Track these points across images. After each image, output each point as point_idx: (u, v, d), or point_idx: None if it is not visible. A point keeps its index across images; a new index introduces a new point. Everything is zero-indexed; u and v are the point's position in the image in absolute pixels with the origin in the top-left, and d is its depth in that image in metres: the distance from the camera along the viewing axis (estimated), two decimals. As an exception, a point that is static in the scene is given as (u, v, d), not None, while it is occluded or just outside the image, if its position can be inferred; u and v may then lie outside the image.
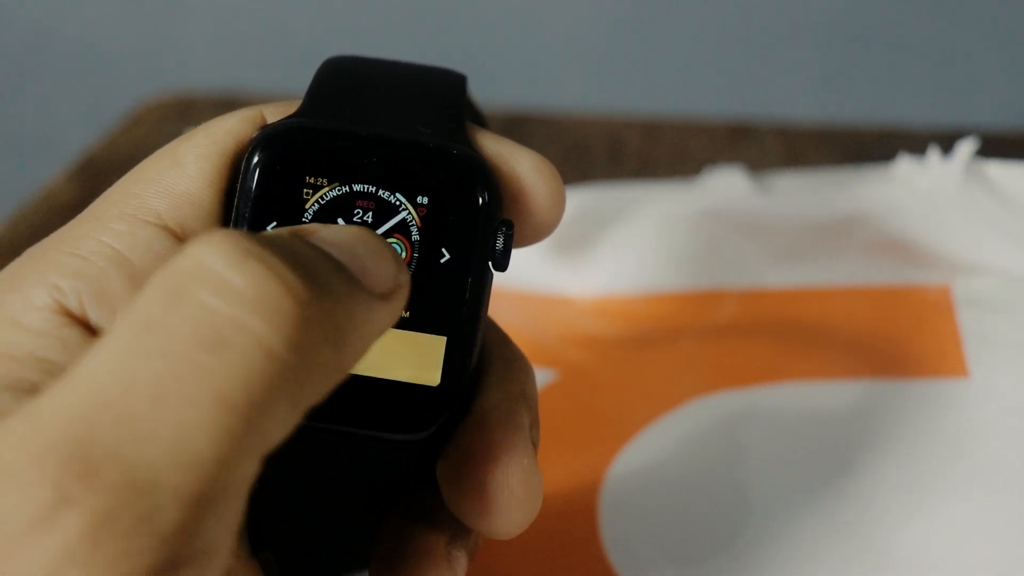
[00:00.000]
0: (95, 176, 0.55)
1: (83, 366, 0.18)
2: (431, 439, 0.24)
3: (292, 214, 0.24)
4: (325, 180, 0.24)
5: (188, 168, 0.24)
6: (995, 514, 0.31)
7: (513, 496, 0.23)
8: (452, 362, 0.24)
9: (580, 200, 0.44)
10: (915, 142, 0.49)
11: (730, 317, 0.40)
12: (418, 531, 0.24)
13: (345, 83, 0.26)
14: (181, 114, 0.60)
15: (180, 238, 0.23)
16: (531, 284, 0.42)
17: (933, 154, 0.42)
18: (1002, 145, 0.49)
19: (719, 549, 0.31)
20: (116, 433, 0.17)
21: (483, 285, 0.24)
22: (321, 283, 0.19)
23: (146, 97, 0.62)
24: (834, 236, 0.41)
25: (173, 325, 0.18)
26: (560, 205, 0.25)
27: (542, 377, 0.37)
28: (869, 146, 0.53)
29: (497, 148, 0.25)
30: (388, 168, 0.24)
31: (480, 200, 0.24)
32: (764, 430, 0.34)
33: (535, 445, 0.24)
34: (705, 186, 0.44)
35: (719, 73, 0.71)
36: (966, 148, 0.41)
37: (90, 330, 0.22)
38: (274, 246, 0.19)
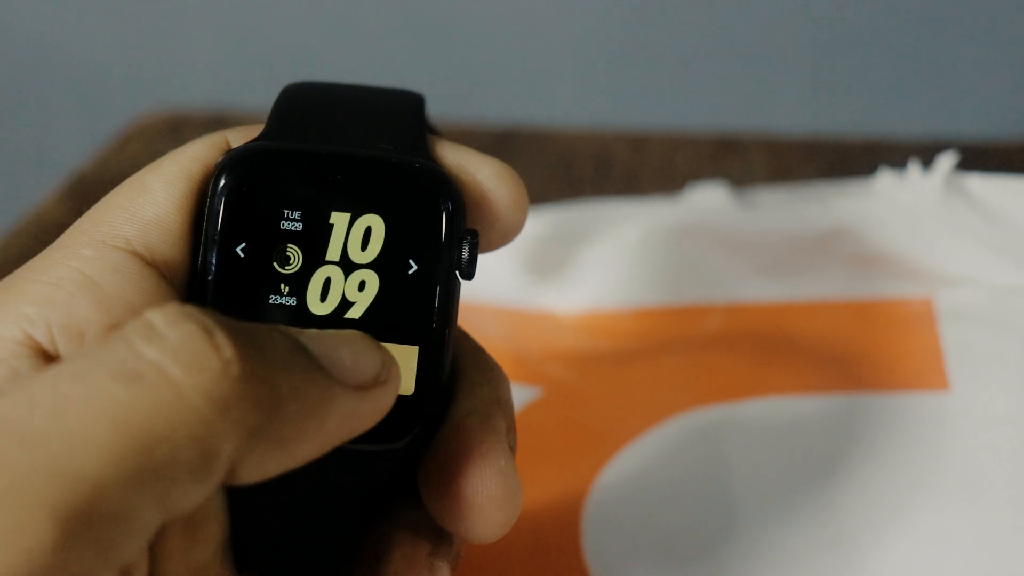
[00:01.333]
0: (86, 195, 0.55)
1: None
2: (409, 448, 0.24)
3: (259, 234, 0.24)
4: (290, 199, 0.24)
5: (156, 194, 0.24)
6: (976, 527, 0.31)
7: (492, 498, 0.23)
8: (425, 370, 0.24)
9: (564, 216, 0.44)
10: (899, 154, 0.49)
11: (714, 332, 0.40)
12: (400, 541, 0.25)
13: (306, 106, 0.26)
14: (172, 132, 0.60)
15: (149, 262, 0.24)
16: (515, 300, 0.42)
17: (914, 168, 0.42)
18: (984, 156, 0.49)
19: (702, 564, 0.31)
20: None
21: (451, 294, 0.24)
22: (262, 351, 0.20)
23: (137, 115, 0.62)
24: (816, 250, 0.42)
25: (97, 358, 0.19)
26: (523, 209, 0.26)
27: (527, 394, 0.37)
28: (854, 158, 0.53)
29: (458, 158, 0.26)
30: (353, 184, 0.24)
31: (444, 211, 0.24)
32: (748, 444, 0.35)
33: (512, 450, 0.25)
34: (689, 202, 0.45)
35: (706, 86, 0.72)
36: (946, 161, 0.42)
37: (49, 359, 0.22)
38: (226, 321, 0.20)
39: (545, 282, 0.42)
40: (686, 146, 0.56)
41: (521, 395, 0.37)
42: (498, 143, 0.57)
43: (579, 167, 0.56)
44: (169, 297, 0.24)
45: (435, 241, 0.24)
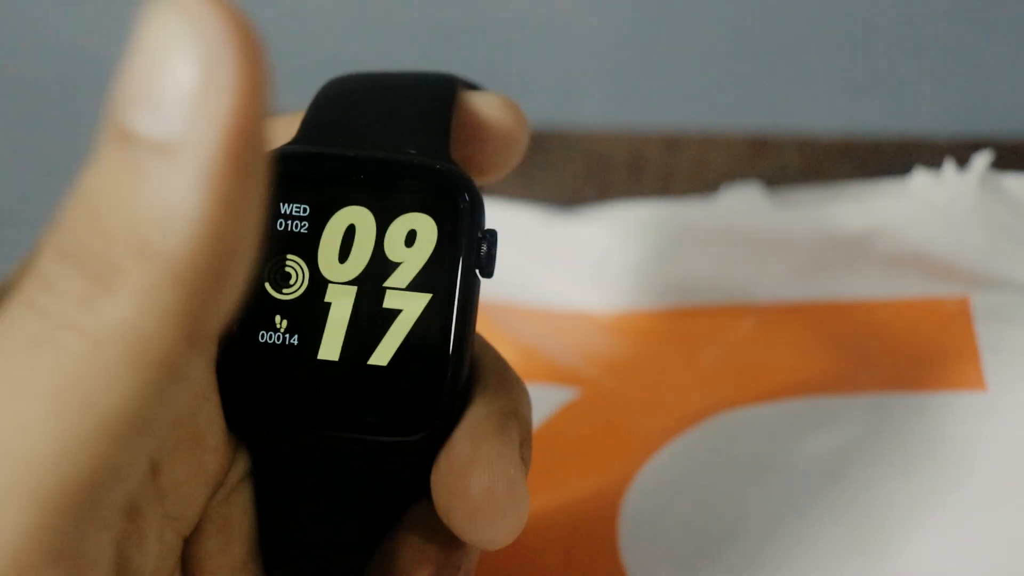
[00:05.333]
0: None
1: None
2: (424, 443, 0.24)
3: (288, 236, 0.24)
4: (314, 201, 0.24)
5: None
6: (1013, 527, 0.31)
7: (499, 503, 0.23)
8: (445, 367, 0.24)
9: (599, 217, 0.44)
10: (934, 153, 0.49)
11: (749, 332, 0.40)
12: (409, 551, 0.25)
13: (337, 106, 0.27)
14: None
15: None
16: (550, 301, 0.42)
17: (949, 167, 0.42)
18: (1021, 154, 0.49)
19: (738, 565, 0.31)
20: None
21: (472, 291, 0.25)
22: None
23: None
24: (852, 250, 0.42)
25: (6, 328, 0.17)
26: (525, 133, 0.28)
27: (564, 394, 0.38)
28: (889, 158, 0.53)
29: (476, 100, 0.27)
30: (374, 186, 0.24)
31: (463, 211, 0.24)
32: (783, 445, 0.35)
33: (526, 464, 0.25)
34: (724, 202, 0.45)
35: (739, 86, 0.72)
36: (982, 160, 0.42)
37: None
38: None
39: (580, 283, 0.43)
40: (719, 146, 0.56)
41: (558, 396, 0.37)
42: (530, 145, 0.58)
43: (612, 168, 0.56)
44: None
45: (454, 240, 0.24)
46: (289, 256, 0.24)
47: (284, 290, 0.24)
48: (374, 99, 0.27)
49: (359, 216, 0.24)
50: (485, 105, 0.27)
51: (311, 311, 0.24)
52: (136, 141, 0.17)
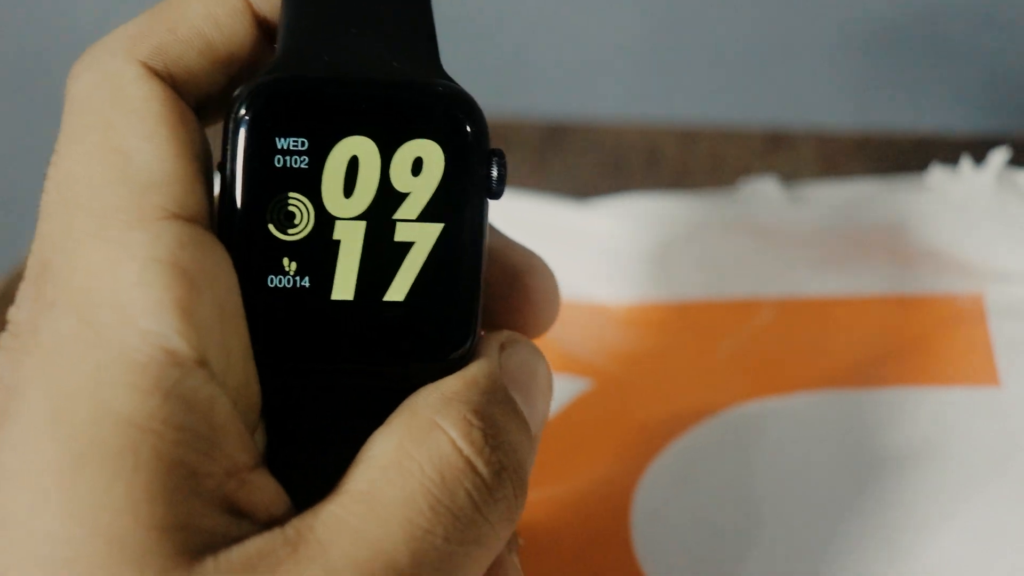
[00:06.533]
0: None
1: (368, 522, 0.21)
2: (457, 364, 0.24)
3: (288, 172, 0.22)
4: (312, 133, 0.22)
5: (149, 145, 0.22)
6: (1025, 521, 0.31)
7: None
8: (468, 291, 0.24)
9: (614, 209, 0.44)
10: (951, 149, 0.49)
11: (764, 326, 0.40)
12: None
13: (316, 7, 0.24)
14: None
15: (187, 219, 0.21)
16: (566, 292, 0.42)
17: (965, 163, 0.42)
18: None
19: (750, 558, 0.31)
20: None
21: (484, 215, 0.24)
22: (525, 485, 0.23)
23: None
24: (867, 245, 0.42)
25: (450, 522, 0.21)
26: (557, 300, 0.28)
27: (577, 385, 0.38)
28: (905, 154, 0.53)
29: (498, 241, 0.27)
30: (375, 113, 0.23)
31: (469, 133, 0.23)
32: (797, 438, 0.35)
33: None
34: (740, 196, 0.45)
35: (755, 80, 0.72)
36: (998, 157, 0.42)
37: (190, 364, 0.20)
38: (518, 466, 0.23)
39: (595, 274, 0.43)
40: (735, 141, 0.56)
41: (571, 386, 0.38)
42: (547, 137, 0.58)
43: (628, 161, 0.56)
44: (225, 255, 0.22)
45: (464, 163, 0.23)
46: (291, 194, 0.22)
47: (289, 231, 0.23)
48: None
49: (361, 146, 0.23)
50: (528, 272, 0.27)
51: (320, 251, 0.23)
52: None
